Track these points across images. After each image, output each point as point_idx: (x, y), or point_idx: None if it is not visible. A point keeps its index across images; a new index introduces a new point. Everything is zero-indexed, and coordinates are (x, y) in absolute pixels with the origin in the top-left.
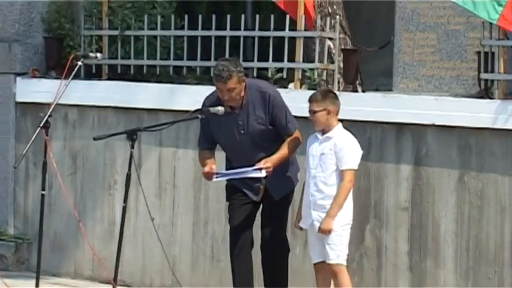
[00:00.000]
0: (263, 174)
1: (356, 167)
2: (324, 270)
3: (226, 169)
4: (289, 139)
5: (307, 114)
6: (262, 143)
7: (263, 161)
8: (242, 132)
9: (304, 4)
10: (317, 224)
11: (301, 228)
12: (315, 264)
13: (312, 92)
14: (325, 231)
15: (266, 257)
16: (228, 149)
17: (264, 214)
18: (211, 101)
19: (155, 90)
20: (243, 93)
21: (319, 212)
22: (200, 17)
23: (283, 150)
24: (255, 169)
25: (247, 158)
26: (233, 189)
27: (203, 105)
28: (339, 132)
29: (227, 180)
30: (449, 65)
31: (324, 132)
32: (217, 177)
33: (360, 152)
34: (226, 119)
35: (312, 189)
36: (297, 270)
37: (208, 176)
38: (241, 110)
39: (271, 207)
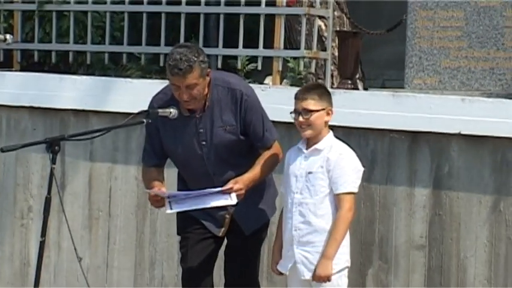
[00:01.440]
0: (233, 200)
1: (356, 190)
2: None
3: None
4: (266, 153)
5: (288, 119)
6: (231, 159)
7: (232, 182)
8: (204, 143)
9: None
10: (301, 268)
11: (280, 273)
12: None
13: (296, 88)
14: (322, 278)
15: None
16: (183, 167)
17: (229, 253)
18: (162, 101)
19: (85, 84)
20: (206, 91)
21: (305, 250)
22: None
23: (259, 168)
24: (222, 193)
25: (211, 179)
26: (187, 219)
27: (150, 106)
28: (331, 143)
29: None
30: (481, 54)
31: (310, 143)
32: (172, 208)
33: (361, 170)
34: (182, 126)
35: (295, 221)
36: None
37: (158, 202)
38: (203, 114)
39: (240, 245)
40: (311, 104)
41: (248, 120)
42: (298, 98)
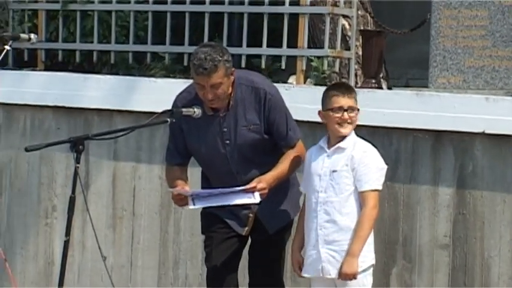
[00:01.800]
0: (257, 199)
1: (381, 188)
2: None
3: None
4: (289, 152)
5: (312, 119)
6: (254, 158)
7: (255, 180)
8: (228, 142)
9: None
10: (327, 267)
11: (303, 276)
12: None
13: (320, 88)
14: (349, 276)
15: None
16: (207, 166)
17: (253, 253)
18: (186, 100)
19: (108, 84)
20: (230, 90)
21: (332, 249)
22: None
23: (282, 167)
24: (245, 191)
25: (234, 178)
26: (211, 217)
27: (174, 105)
28: (354, 141)
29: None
30: (505, 53)
31: (332, 142)
32: (194, 204)
33: (385, 167)
34: (206, 125)
35: (320, 220)
36: None
37: (181, 200)
38: (227, 113)
39: (264, 244)
40: (353, 101)
41: (272, 119)
42: (342, 94)
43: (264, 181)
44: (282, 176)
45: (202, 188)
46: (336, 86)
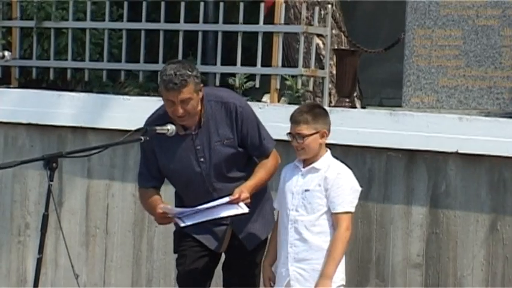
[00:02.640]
0: (244, 209)
1: (354, 210)
2: None
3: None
4: (265, 161)
5: (286, 138)
6: (230, 173)
7: (237, 191)
8: (202, 160)
9: None
10: (296, 285)
11: None
12: None
13: (294, 107)
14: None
15: None
16: (182, 187)
17: (228, 269)
18: (157, 120)
19: (82, 101)
20: (199, 107)
21: (301, 268)
22: (144, 4)
23: (260, 175)
24: (230, 203)
25: (211, 196)
26: (184, 236)
27: (147, 125)
28: (329, 163)
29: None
30: (478, 73)
31: (307, 161)
32: (184, 222)
33: (359, 190)
34: (178, 145)
35: (291, 238)
36: None
37: (165, 219)
38: (199, 130)
39: (240, 261)
40: (304, 128)
41: (245, 131)
42: (292, 121)
43: (245, 190)
44: (261, 184)
45: (176, 206)
46: (295, 110)
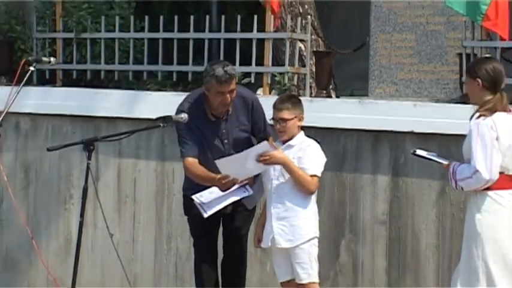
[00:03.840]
0: (250, 191)
1: (320, 174)
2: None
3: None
4: (266, 142)
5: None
6: (240, 151)
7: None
8: (226, 142)
9: (270, 2)
10: (278, 238)
11: (261, 247)
12: (281, 282)
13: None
14: (271, 155)
15: (228, 273)
16: (207, 161)
17: (230, 223)
18: (190, 105)
19: (114, 97)
20: None
21: (282, 224)
22: (161, 18)
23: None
24: (240, 187)
25: None
26: (191, 202)
27: (180, 109)
28: (302, 140)
29: (185, 192)
30: (428, 68)
31: (284, 140)
32: (206, 213)
33: (324, 159)
34: (208, 128)
35: (274, 201)
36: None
37: (225, 184)
38: (228, 116)
39: (239, 216)
40: (286, 114)
41: (255, 120)
42: (275, 108)
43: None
44: None
45: (187, 185)
46: (277, 100)
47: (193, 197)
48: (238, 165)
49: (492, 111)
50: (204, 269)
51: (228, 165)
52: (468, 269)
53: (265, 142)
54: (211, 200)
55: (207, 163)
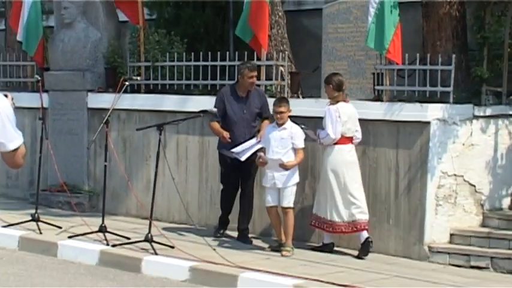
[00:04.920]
0: (261, 144)
1: (304, 146)
2: (276, 211)
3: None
4: (267, 121)
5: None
6: (252, 120)
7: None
8: (245, 112)
9: (261, 41)
10: (277, 182)
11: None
12: (270, 207)
13: (273, 99)
14: (285, 166)
15: (245, 198)
16: (232, 124)
17: (244, 170)
18: (227, 88)
19: (174, 99)
20: None
21: (280, 174)
22: (201, 53)
23: (266, 126)
24: (257, 142)
25: (245, 132)
26: (223, 157)
27: (220, 95)
28: (291, 124)
29: (219, 149)
30: (355, 81)
31: (280, 124)
32: (241, 156)
33: (304, 136)
34: (237, 101)
35: (274, 162)
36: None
37: (226, 140)
38: (248, 98)
39: (250, 166)
40: (282, 108)
41: (263, 103)
42: (275, 105)
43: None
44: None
45: (219, 145)
46: (276, 100)
47: (233, 150)
48: (246, 146)
49: (336, 102)
50: (225, 198)
51: (240, 148)
52: (323, 188)
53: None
54: (243, 150)
55: (231, 123)
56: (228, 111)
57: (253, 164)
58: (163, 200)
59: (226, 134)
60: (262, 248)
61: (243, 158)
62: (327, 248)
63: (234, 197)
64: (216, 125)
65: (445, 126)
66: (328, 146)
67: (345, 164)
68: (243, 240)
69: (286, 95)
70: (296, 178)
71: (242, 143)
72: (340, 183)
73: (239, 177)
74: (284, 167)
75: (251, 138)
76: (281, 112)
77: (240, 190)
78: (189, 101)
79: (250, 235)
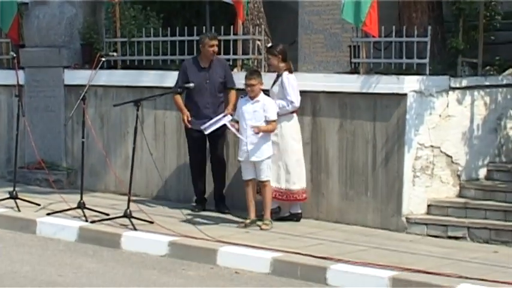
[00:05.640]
0: (229, 118)
1: (276, 118)
2: (253, 184)
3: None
4: (233, 91)
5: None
6: (217, 91)
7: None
8: (208, 81)
9: (239, 13)
10: (251, 156)
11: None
12: (247, 180)
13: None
14: (258, 128)
15: (216, 167)
16: (196, 93)
17: (213, 140)
18: (190, 60)
19: (151, 75)
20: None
21: (253, 148)
22: (177, 28)
23: (233, 97)
24: (224, 115)
25: (208, 103)
26: (190, 130)
27: (184, 66)
28: (264, 97)
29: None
30: (332, 54)
31: (252, 97)
32: (206, 131)
33: (277, 109)
34: (199, 71)
35: (248, 133)
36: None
37: (185, 123)
38: (210, 68)
39: (218, 133)
40: (253, 81)
41: (226, 73)
42: (246, 78)
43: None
44: (235, 102)
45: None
46: (247, 73)
47: (202, 127)
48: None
49: (291, 71)
50: (194, 173)
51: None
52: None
53: (227, 117)
54: (209, 124)
55: (194, 93)
56: (191, 81)
57: (222, 135)
58: (142, 176)
59: (186, 115)
60: (241, 222)
61: (207, 132)
62: (294, 217)
63: (203, 170)
64: (179, 100)
65: (421, 98)
66: (285, 115)
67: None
68: (220, 209)
69: (263, 70)
70: (270, 151)
71: (210, 119)
72: (300, 150)
73: (205, 151)
74: (257, 130)
75: (216, 109)
76: (251, 85)
77: (211, 162)
78: (167, 76)
79: (229, 210)
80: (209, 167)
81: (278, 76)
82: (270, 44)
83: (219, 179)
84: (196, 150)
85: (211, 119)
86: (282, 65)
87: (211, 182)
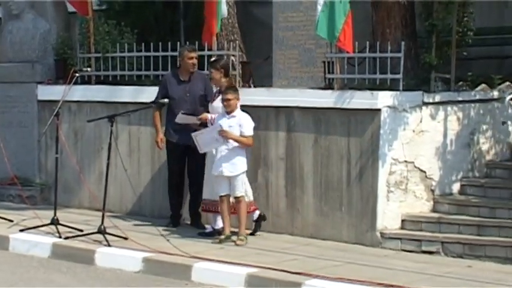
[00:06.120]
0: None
1: (252, 134)
2: (228, 200)
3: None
4: None
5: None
6: (196, 103)
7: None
8: (188, 95)
9: (211, 32)
10: (225, 171)
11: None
12: (221, 196)
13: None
14: (223, 132)
15: (194, 183)
16: (176, 106)
17: (193, 156)
18: (170, 73)
19: (126, 90)
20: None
21: (227, 163)
22: (152, 44)
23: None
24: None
25: (189, 111)
26: (171, 145)
27: (164, 80)
28: (240, 112)
29: (169, 138)
30: (306, 70)
31: (229, 112)
32: (202, 149)
33: (253, 124)
34: (179, 85)
35: (223, 148)
36: None
37: (158, 144)
38: (191, 78)
39: (196, 154)
40: (229, 95)
41: (207, 86)
42: (223, 93)
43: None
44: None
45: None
46: (224, 87)
47: (193, 134)
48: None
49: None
50: (172, 189)
51: (184, 119)
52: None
53: (216, 126)
54: (203, 140)
55: (173, 106)
56: (170, 94)
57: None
58: (116, 192)
59: (160, 138)
60: (216, 238)
61: (202, 151)
62: (262, 219)
63: (181, 183)
64: (157, 118)
65: (395, 113)
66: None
67: None
68: (196, 225)
69: (237, 85)
70: (244, 166)
71: (194, 131)
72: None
73: (184, 163)
74: (224, 134)
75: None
76: (228, 99)
77: (188, 175)
78: (141, 92)
79: (205, 225)
80: (186, 182)
81: (219, 92)
82: (213, 58)
83: (195, 193)
84: (176, 161)
85: (195, 131)
86: (223, 80)
87: (187, 200)
